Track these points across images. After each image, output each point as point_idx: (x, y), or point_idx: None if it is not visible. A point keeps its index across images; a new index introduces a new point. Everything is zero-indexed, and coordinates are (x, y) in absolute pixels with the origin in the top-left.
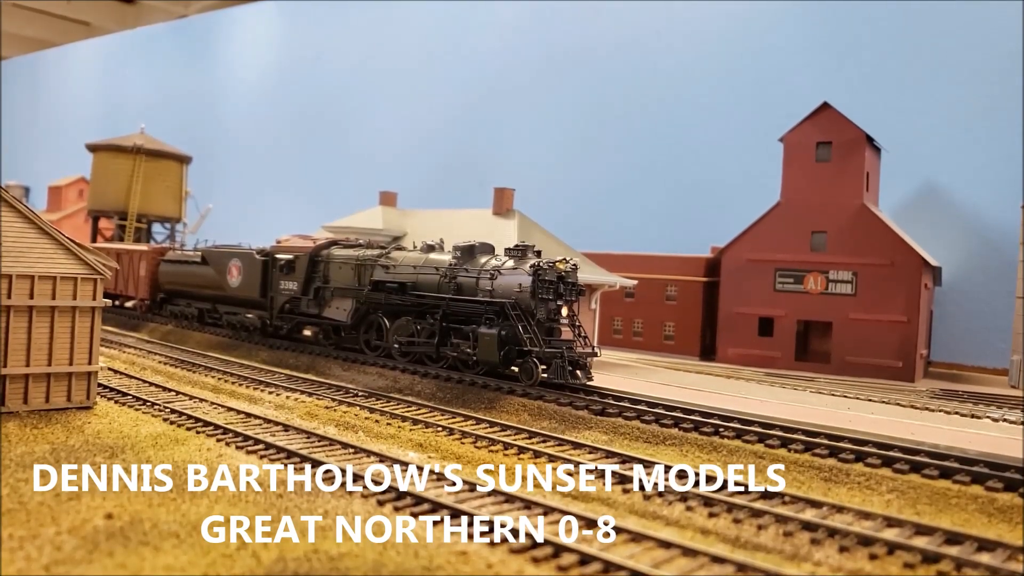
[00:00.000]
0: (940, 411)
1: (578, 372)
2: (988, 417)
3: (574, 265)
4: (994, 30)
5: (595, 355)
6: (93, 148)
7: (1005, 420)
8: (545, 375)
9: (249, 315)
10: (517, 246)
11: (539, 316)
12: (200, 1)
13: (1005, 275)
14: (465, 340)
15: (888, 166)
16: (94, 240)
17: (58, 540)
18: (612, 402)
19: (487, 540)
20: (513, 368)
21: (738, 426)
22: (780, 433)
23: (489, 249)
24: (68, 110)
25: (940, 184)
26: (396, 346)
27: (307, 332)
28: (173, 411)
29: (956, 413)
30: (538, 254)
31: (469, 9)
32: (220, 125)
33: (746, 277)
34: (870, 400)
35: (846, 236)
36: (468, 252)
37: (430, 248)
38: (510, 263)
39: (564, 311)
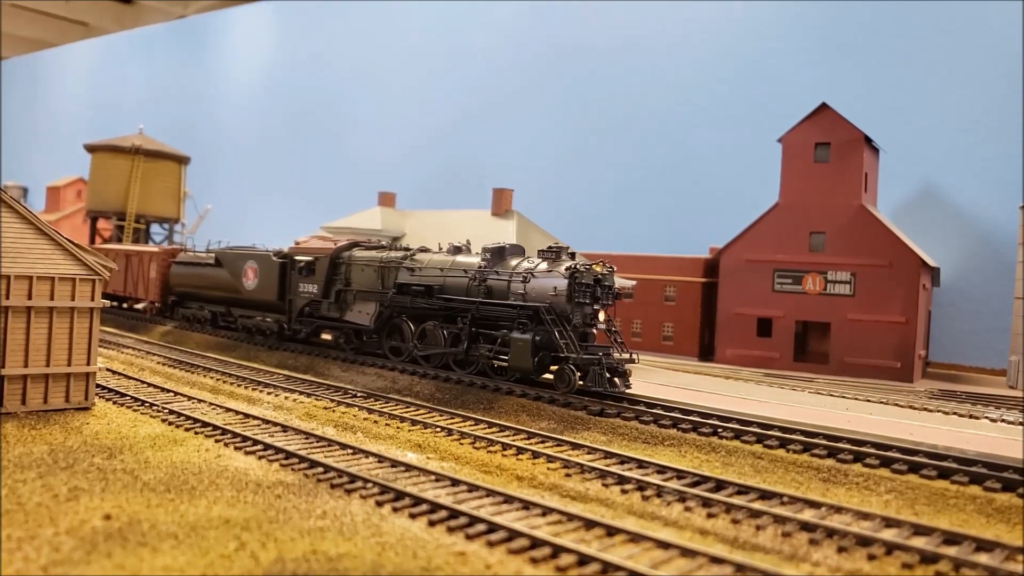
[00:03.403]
0: (938, 411)
1: (616, 379)
2: (986, 417)
3: (611, 268)
4: (993, 31)
5: (633, 361)
6: (91, 148)
7: (1003, 420)
8: (581, 382)
9: (266, 319)
10: (551, 247)
11: (575, 321)
12: (199, 1)
13: (1003, 276)
14: (495, 345)
15: (887, 167)
16: (92, 241)
17: (56, 541)
18: (610, 403)
19: (485, 541)
20: (547, 375)
21: (736, 427)
22: (778, 434)
23: (519, 251)
24: (66, 110)
25: (939, 185)
26: (419, 350)
27: (326, 336)
28: (172, 412)
29: (954, 413)
30: (572, 256)
31: (468, 9)
32: (218, 125)
33: (745, 278)
34: (868, 400)
35: (845, 237)
36: (498, 254)
37: (457, 250)
38: (543, 265)
39: (601, 315)
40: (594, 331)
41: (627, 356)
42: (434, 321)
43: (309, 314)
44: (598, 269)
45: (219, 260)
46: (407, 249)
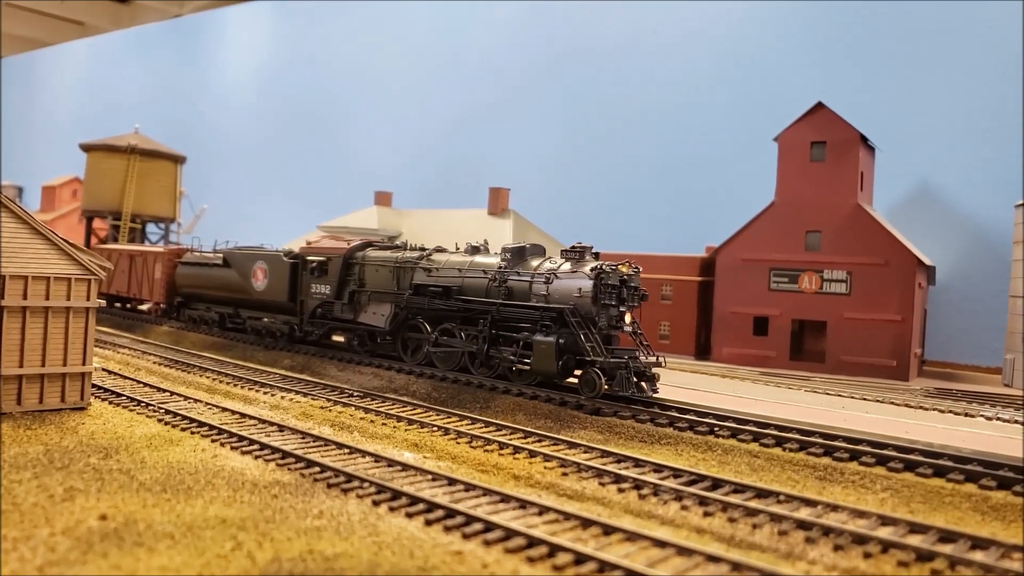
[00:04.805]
0: (934, 410)
1: (643, 384)
2: (982, 416)
3: (637, 268)
4: (990, 30)
5: (660, 365)
6: (87, 148)
7: (999, 419)
8: (607, 387)
9: (276, 320)
10: (573, 247)
11: (600, 323)
12: (194, 0)
13: (999, 274)
14: (515, 348)
15: (882, 166)
16: (88, 240)
17: (52, 541)
18: (607, 402)
19: (482, 540)
20: (571, 380)
21: (733, 425)
22: (775, 432)
23: (540, 251)
24: (62, 110)
25: (934, 183)
26: (438, 353)
27: (338, 338)
28: (168, 412)
29: (950, 412)
30: (596, 256)
31: (466, 9)
32: (214, 125)
33: (741, 276)
34: (865, 399)
35: (840, 235)
36: (518, 254)
37: (475, 250)
38: (567, 266)
39: (627, 318)
40: (616, 333)
41: (654, 359)
42: (452, 323)
43: (321, 315)
44: (624, 270)
45: (227, 260)
46: (423, 249)
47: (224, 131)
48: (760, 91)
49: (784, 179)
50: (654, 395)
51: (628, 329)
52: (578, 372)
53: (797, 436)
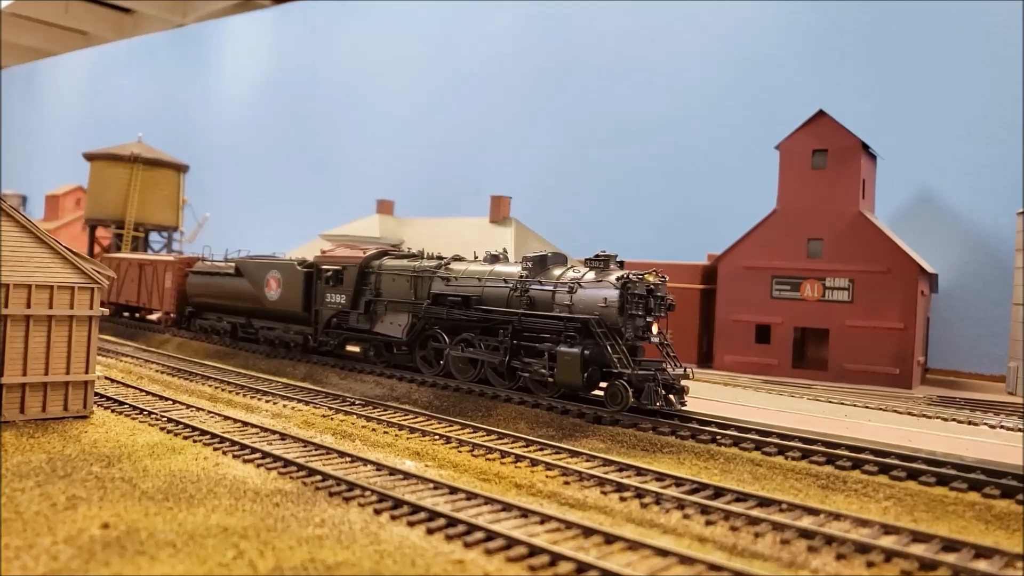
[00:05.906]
0: (937, 418)
1: (671, 396)
2: (985, 424)
3: (664, 277)
4: (991, 36)
5: (688, 377)
6: (90, 157)
7: (1002, 427)
8: (634, 400)
9: (290, 330)
10: (597, 256)
11: (627, 334)
12: (198, 3)
13: (1002, 281)
14: (537, 359)
15: (884, 173)
16: (91, 250)
17: (54, 550)
18: (608, 411)
19: (484, 548)
20: (596, 392)
21: (735, 434)
22: (777, 440)
23: (562, 260)
24: (65, 119)
25: (936, 191)
26: (458, 364)
27: (352, 348)
28: (170, 420)
29: (953, 420)
30: (621, 265)
31: (466, 16)
32: (217, 134)
33: (743, 284)
34: (867, 407)
35: (842, 243)
36: (540, 263)
37: (494, 258)
38: (591, 275)
39: (655, 328)
40: (642, 344)
41: (681, 371)
42: (471, 333)
43: (336, 325)
44: (650, 279)
45: (239, 270)
46: (440, 258)
47: (225, 140)
48: (761, 98)
49: (785, 187)
50: (683, 408)
51: (656, 340)
52: (603, 384)
53: (799, 444)
